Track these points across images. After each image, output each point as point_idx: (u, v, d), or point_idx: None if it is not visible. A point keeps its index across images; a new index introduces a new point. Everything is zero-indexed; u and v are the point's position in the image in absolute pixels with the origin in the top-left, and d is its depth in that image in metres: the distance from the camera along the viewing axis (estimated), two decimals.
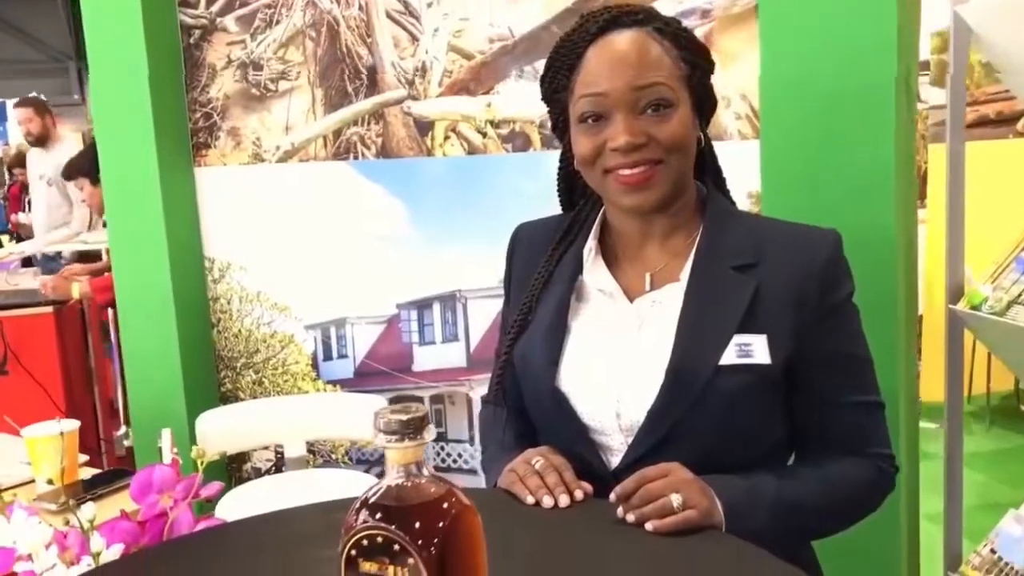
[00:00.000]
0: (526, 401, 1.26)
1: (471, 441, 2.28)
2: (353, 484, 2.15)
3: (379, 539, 0.80)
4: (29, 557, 1.02)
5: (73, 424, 1.58)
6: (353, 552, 0.81)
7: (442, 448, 2.31)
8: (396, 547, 0.79)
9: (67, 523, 1.02)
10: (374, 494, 0.84)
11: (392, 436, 0.82)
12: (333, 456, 2.49)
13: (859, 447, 1.17)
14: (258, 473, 2.56)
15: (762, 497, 1.09)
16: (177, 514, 1.09)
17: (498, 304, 1.41)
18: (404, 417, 0.82)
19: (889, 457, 1.19)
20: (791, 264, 1.14)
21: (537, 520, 1.06)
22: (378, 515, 0.81)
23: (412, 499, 0.82)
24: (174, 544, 1.06)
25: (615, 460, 1.16)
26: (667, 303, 1.17)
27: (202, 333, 2.54)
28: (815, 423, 1.17)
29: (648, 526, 1.00)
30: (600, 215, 1.26)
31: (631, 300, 1.20)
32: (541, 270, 1.26)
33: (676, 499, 1.01)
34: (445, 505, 0.83)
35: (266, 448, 2.54)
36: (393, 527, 0.80)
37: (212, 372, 2.57)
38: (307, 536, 1.08)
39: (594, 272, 1.23)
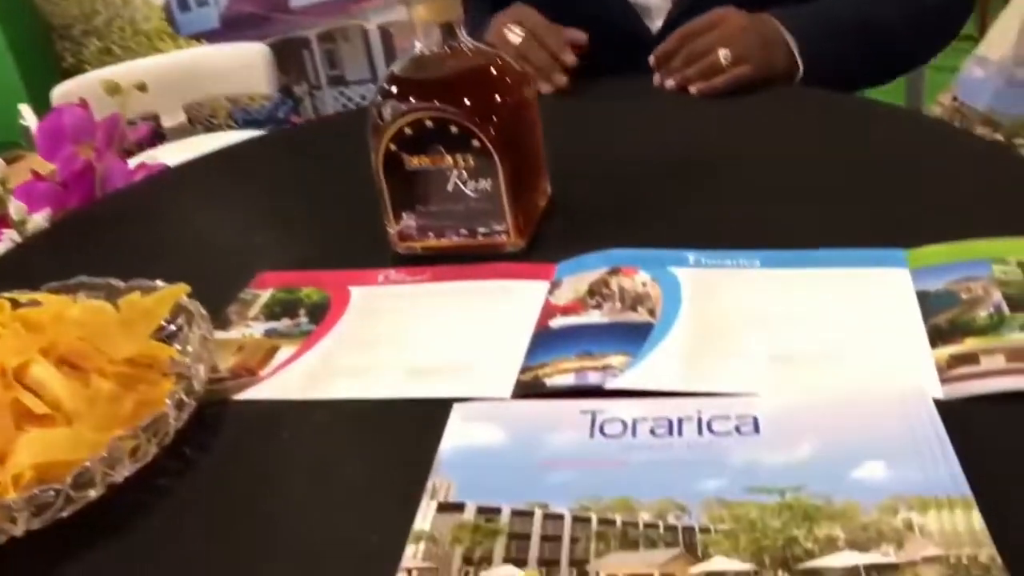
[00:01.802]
0: None
1: (374, 79, 2.04)
2: None
3: (427, 123, 0.62)
4: None
5: None
6: (393, 147, 0.63)
7: (341, 92, 2.07)
8: (453, 129, 0.62)
9: None
10: (403, 69, 0.64)
11: None
12: (214, 121, 2.21)
13: None
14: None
15: (839, 19, 0.92)
16: (108, 164, 0.87)
17: None
18: None
19: None
20: None
21: (549, 109, 0.89)
22: (412, 97, 0.62)
23: (456, 68, 0.63)
24: (119, 197, 0.86)
25: (658, 22, 0.99)
26: None
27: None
28: None
29: (692, 89, 0.86)
30: None
31: None
32: None
33: (723, 53, 0.85)
34: (494, 71, 0.65)
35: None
36: (440, 104, 0.62)
37: (47, 45, 2.17)
38: (280, 156, 0.89)
39: None
